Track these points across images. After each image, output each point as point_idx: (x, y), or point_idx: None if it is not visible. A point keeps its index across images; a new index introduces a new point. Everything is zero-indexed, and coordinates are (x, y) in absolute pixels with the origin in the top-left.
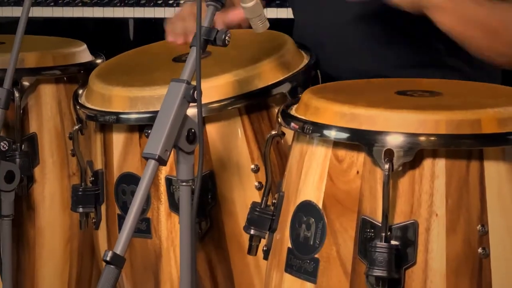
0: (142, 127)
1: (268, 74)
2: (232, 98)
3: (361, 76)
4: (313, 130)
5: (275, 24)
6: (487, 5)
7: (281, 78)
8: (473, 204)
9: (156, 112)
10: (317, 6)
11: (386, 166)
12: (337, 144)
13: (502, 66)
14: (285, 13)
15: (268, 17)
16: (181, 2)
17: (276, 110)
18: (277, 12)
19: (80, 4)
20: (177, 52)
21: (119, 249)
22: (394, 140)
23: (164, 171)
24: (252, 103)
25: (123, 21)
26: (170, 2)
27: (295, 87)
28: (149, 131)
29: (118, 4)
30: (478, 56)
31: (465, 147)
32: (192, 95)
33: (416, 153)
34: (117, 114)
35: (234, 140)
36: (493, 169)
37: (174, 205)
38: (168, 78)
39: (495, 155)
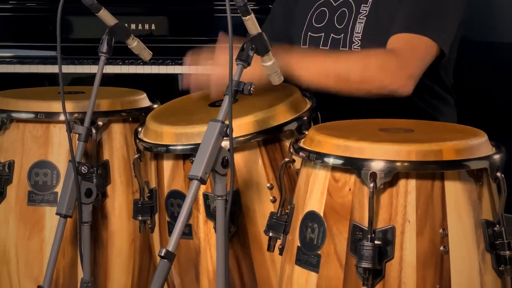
0: (186, 156)
1: (280, 115)
2: (253, 134)
3: (351, 115)
4: (316, 158)
5: None
6: (332, 56)
7: (290, 119)
8: (436, 213)
9: (196, 145)
10: None
11: (371, 185)
12: (334, 168)
13: (380, 96)
14: None
15: None
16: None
17: (286, 143)
18: None
19: (141, 63)
20: (211, 100)
21: (170, 247)
22: (377, 165)
23: (202, 189)
24: (268, 138)
25: (173, 76)
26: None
27: (301, 125)
28: (193, 159)
29: (170, 63)
30: (359, 96)
31: (430, 171)
32: (225, 132)
33: (393, 175)
34: (166, 146)
35: (254, 165)
36: (452, 187)
37: (209, 214)
38: (205, 119)
39: (453, 177)
